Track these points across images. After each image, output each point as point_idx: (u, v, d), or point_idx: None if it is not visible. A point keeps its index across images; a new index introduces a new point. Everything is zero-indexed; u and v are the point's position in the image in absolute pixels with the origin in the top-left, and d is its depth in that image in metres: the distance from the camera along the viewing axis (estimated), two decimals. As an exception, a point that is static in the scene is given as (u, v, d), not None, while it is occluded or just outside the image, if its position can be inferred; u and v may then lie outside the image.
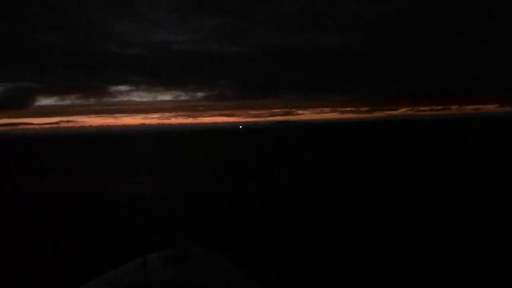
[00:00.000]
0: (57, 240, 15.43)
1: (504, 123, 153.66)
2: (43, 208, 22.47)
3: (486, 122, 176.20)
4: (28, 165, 53.72)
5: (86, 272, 11.16)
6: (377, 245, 13.29)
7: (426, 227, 15.19)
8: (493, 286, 10.09)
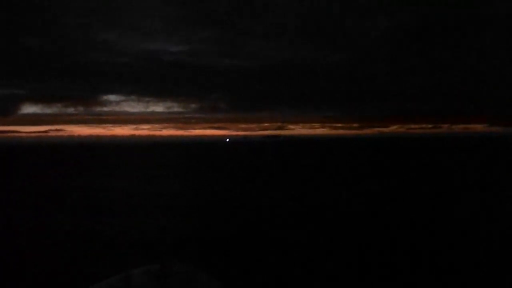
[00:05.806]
0: (42, 250, 15.04)
1: (492, 142, 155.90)
2: (29, 217, 22.00)
3: (475, 141, 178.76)
4: (14, 173, 52.94)
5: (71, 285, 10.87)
6: (370, 261, 13.13)
7: (415, 243, 15.11)
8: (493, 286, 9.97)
